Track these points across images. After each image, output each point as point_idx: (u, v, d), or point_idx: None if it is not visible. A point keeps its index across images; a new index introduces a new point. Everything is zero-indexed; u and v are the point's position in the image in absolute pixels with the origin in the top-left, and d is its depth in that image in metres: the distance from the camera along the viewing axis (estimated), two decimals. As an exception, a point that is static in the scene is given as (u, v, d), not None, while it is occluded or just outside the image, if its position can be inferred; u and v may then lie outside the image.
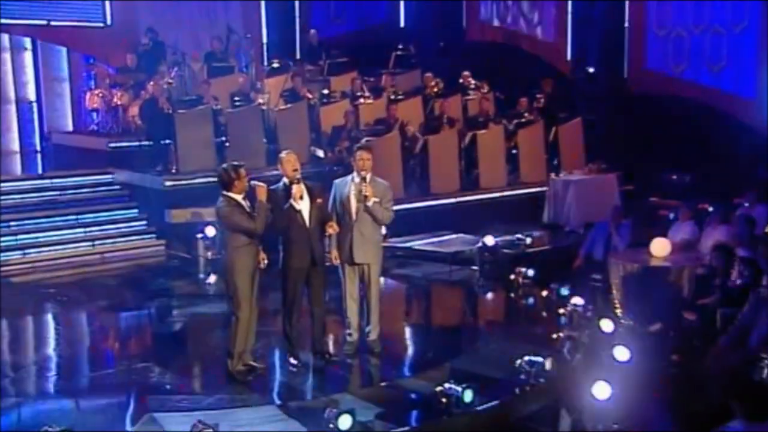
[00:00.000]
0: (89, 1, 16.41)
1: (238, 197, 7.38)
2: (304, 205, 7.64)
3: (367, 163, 8.10)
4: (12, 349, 9.66)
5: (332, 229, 7.80)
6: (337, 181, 8.31)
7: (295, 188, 7.51)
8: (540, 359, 7.68)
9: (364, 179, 8.01)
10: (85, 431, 6.58)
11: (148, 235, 12.94)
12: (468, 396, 6.90)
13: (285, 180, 7.68)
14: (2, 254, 11.94)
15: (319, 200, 7.75)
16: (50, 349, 9.91)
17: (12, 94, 15.95)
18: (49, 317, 10.83)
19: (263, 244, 7.98)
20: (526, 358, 7.65)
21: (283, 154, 8.07)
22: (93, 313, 10.85)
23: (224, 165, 7.98)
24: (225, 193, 7.39)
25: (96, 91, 15.26)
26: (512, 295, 10.54)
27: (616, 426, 6.98)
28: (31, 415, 7.21)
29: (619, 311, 10.01)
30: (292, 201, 7.52)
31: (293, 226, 7.63)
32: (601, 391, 6.90)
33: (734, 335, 7.95)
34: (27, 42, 16.07)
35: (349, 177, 8.21)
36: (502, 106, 15.85)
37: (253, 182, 7.61)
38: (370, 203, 7.91)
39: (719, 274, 9.06)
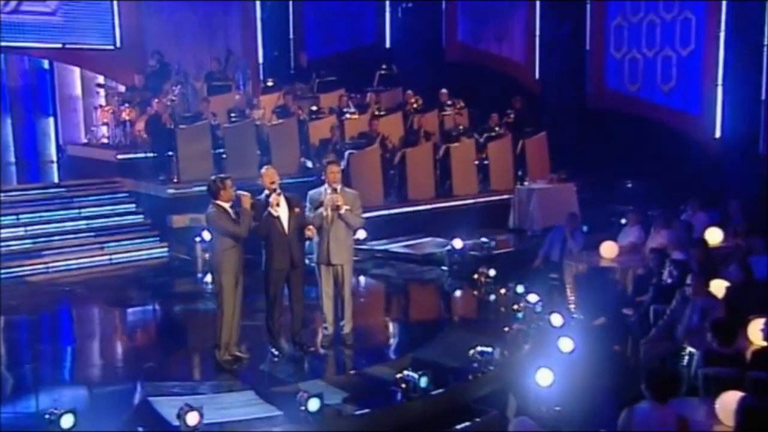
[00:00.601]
0: (101, 25, 16.38)
1: (225, 205, 7.62)
2: (282, 213, 7.84)
3: (337, 176, 8.30)
4: (30, 340, 9.98)
5: (310, 232, 7.96)
6: (311, 192, 8.44)
7: (272, 197, 7.71)
8: (490, 349, 7.80)
9: (335, 190, 8.14)
10: (90, 413, 6.72)
11: (152, 238, 13.00)
12: (423, 382, 7.11)
13: (267, 191, 7.86)
14: (21, 256, 12.02)
15: (296, 209, 7.91)
16: (63, 340, 10.17)
17: (30, 105, 15.91)
18: (63, 313, 10.99)
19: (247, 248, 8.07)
20: (479, 348, 7.80)
21: (263, 169, 8.36)
22: (101, 309, 10.96)
23: (213, 176, 8.15)
24: (214, 200, 7.63)
25: (106, 108, 15.41)
26: (475, 292, 10.60)
27: (557, 408, 7.09)
28: (45, 398, 7.29)
29: (572, 307, 10.08)
30: (269, 209, 7.70)
31: (273, 232, 7.86)
32: (544, 377, 7.09)
33: (663, 328, 8.10)
34: (45, 63, 16.12)
35: (322, 188, 8.35)
36: (476, 121, 15.87)
37: (238, 191, 7.79)
38: (342, 211, 8.06)
39: (654, 274, 9.24)
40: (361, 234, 11.90)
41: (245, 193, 7.80)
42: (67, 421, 6.35)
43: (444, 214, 13.88)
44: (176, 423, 6.43)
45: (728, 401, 5.74)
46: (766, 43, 13.58)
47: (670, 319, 8.14)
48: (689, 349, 7.53)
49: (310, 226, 8.00)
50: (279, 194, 7.80)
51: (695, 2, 14.68)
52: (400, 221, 13.52)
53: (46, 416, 6.45)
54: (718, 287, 8.40)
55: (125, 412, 7.02)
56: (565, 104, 16.48)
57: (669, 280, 8.83)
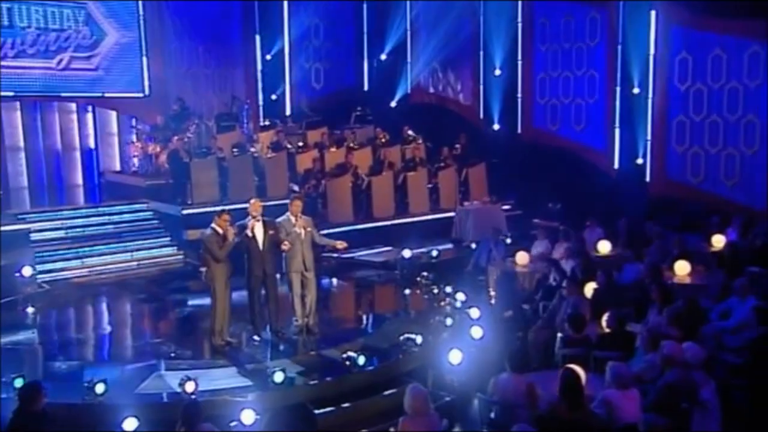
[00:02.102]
0: (133, 77, 16.52)
1: (219, 229, 8.22)
2: (259, 234, 8.38)
3: (299, 208, 8.76)
4: (75, 327, 10.49)
5: (285, 246, 8.47)
6: (279, 219, 8.76)
7: (250, 223, 8.33)
8: (414, 336, 8.33)
9: (297, 217, 8.68)
10: (118, 382, 7.32)
11: (171, 248, 13.15)
12: (361, 360, 7.73)
13: (251, 216, 8.42)
14: (67, 262, 12.30)
15: (271, 231, 8.43)
16: (99, 327, 10.72)
17: (77, 144, 16.11)
18: (100, 306, 11.36)
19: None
20: (407, 335, 8.35)
21: (252, 200, 8.86)
22: (129, 304, 11.41)
23: (218, 208, 8.85)
24: (212, 225, 8.30)
25: (136, 143, 15.69)
26: (417, 292, 10.82)
27: (464, 379, 7.44)
28: (84, 372, 7.75)
29: (492, 302, 10.43)
30: (247, 231, 8.28)
31: (251, 249, 8.42)
32: (455, 357, 7.58)
33: (546, 320, 8.61)
34: (89, 107, 16.27)
35: (285, 217, 8.76)
36: (430, 153, 16.01)
37: (228, 227, 8.28)
38: (304, 233, 8.62)
39: (545, 277, 9.76)
40: (341, 243, 11.27)
41: (232, 227, 8.33)
42: (100, 388, 6.86)
43: (402, 228, 13.99)
44: (178, 390, 6.92)
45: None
46: (649, 96, 14.06)
47: (550, 313, 8.62)
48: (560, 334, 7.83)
49: (285, 241, 8.42)
50: (258, 221, 8.34)
51: (598, 63, 14.98)
52: (366, 234, 13.62)
53: (85, 384, 6.93)
54: (589, 289, 8.75)
55: (143, 382, 7.47)
56: (502, 139, 16.63)
57: (553, 283, 9.37)
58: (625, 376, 5.84)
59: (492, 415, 6.21)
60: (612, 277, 9.24)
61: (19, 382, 6.62)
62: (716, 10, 12.78)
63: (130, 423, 6.19)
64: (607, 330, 7.48)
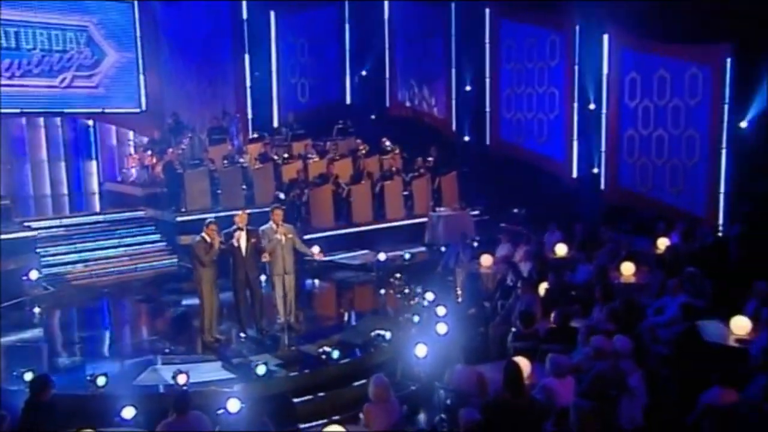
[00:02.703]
0: (131, 94, 16.56)
1: (207, 237, 8.48)
2: (243, 243, 8.61)
3: (279, 217, 8.97)
4: (78, 326, 10.49)
5: (266, 257, 8.75)
6: (263, 227, 8.94)
7: (236, 233, 8.57)
8: (384, 332, 8.55)
9: (278, 225, 8.89)
10: (118, 375, 7.55)
11: (166, 252, 13.19)
12: (336, 354, 7.98)
13: (235, 226, 8.67)
14: (70, 265, 12.38)
15: (253, 240, 8.67)
16: (100, 326, 10.80)
17: (79, 155, 16.08)
18: (100, 307, 11.44)
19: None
20: (377, 331, 8.59)
21: (238, 213, 9.07)
22: (128, 304, 11.49)
23: (207, 219, 8.90)
24: (201, 233, 8.57)
25: (134, 155, 15.75)
26: (390, 292, 10.96)
27: (428, 371, 7.66)
28: (87, 367, 7.94)
29: (459, 301, 10.60)
30: (233, 240, 8.55)
31: (236, 255, 8.66)
32: (421, 351, 7.86)
33: (503, 316, 8.86)
34: (90, 122, 16.29)
35: (268, 225, 8.94)
36: (406, 163, 15.94)
37: (216, 234, 8.53)
38: (284, 239, 8.85)
39: (504, 278, 9.92)
40: (316, 248, 11.68)
41: (218, 237, 8.57)
42: (101, 380, 7.09)
43: (379, 233, 14.03)
44: (172, 382, 7.14)
45: (523, 365, 6.15)
46: (603, 112, 14.18)
47: (507, 310, 8.88)
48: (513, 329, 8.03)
49: (266, 253, 8.69)
50: (242, 230, 8.60)
51: (557, 81, 15.02)
52: (346, 239, 13.72)
53: (87, 377, 7.16)
54: (542, 288, 9.05)
55: (140, 375, 7.64)
56: (472, 150, 16.68)
57: (510, 283, 9.57)
58: (563, 367, 6.21)
59: (448, 401, 6.51)
60: (563, 277, 9.47)
61: (29, 376, 6.80)
62: (661, 35, 12.93)
63: (129, 411, 6.38)
64: (553, 325, 7.73)
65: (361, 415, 5.98)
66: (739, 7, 11.16)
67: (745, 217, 11.60)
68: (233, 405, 6.50)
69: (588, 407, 5.42)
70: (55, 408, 5.83)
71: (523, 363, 6.48)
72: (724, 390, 5.65)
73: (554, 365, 6.20)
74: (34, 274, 11.19)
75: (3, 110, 14.44)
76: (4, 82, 14.58)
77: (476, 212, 15.34)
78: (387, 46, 18.96)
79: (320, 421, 6.47)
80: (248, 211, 11.85)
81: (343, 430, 5.61)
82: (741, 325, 7.61)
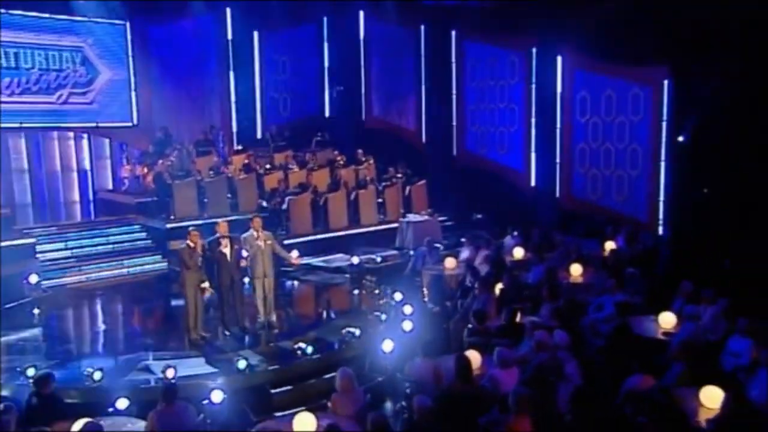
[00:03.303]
0: (123, 109, 16.53)
1: (191, 243, 8.66)
2: (227, 250, 8.85)
3: (259, 224, 9.19)
4: (74, 326, 10.64)
5: (245, 263, 9.01)
6: (243, 235, 9.12)
7: (223, 240, 8.83)
8: (354, 329, 8.82)
9: (258, 232, 9.10)
10: (112, 370, 7.67)
11: (156, 257, 13.07)
12: (310, 350, 8.25)
13: (218, 234, 8.94)
14: (67, 270, 12.30)
15: (236, 246, 8.92)
16: (95, 326, 10.82)
17: (75, 165, 16.03)
18: (95, 308, 11.39)
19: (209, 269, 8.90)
20: (348, 329, 8.85)
21: (219, 221, 9.33)
22: (120, 305, 11.52)
23: (189, 228, 9.20)
24: (186, 240, 8.78)
25: (127, 166, 15.67)
26: (363, 292, 11.32)
27: (394, 364, 7.71)
28: (84, 363, 8.01)
29: (425, 300, 10.63)
30: (219, 248, 8.79)
31: (221, 260, 8.91)
32: (387, 346, 7.94)
33: (462, 314, 8.86)
34: (84, 135, 16.21)
35: (250, 232, 9.12)
36: (379, 172, 16.10)
37: (200, 241, 8.75)
38: (264, 245, 9.07)
39: (464, 279, 10.04)
40: (295, 253, 11.62)
41: (201, 242, 8.79)
42: (97, 375, 7.26)
43: (353, 238, 14.15)
44: (160, 375, 7.32)
45: (473, 357, 6.64)
46: (557, 126, 14.50)
47: (465, 309, 8.89)
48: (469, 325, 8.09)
49: (243, 260, 8.94)
50: (227, 238, 8.86)
51: (517, 98, 15.28)
52: (323, 243, 13.76)
53: (85, 373, 7.32)
54: (497, 288, 9.17)
55: (133, 370, 7.82)
56: (440, 161, 16.73)
57: (469, 284, 9.67)
58: (508, 359, 6.54)
59: (408, 391, 6.76)
60: (516, 278, 9.66)
61: (31, 371, 7.00)
62: (608, 58, 13.21)
63: (122, 402, 6.51)
64: (503, 322, 8.02)
65: (329, 404, 6.20)
66: (675, 35, 11.53)
67: (679, 223, 12.05)
68: (216, 396, 6.64)
69: (524, 393, 5.79)
70: (56, 400, 6.02)
71: (474, 356, 6.79)
72: (643, 377, 6.06)
73: (500, 357, 6.52)
74: (33, 278, 11.18)
75: (3, 125, 14.33)
76: (4, 99, 14.49)
77: (443, 218, 15.32)
78: (362, 63, 18.97)
79: (294, 410, 6.48)
80: (233, 218, 12.40)
81: (312, 417, 5.75)
82: (667, 320, 8.04)
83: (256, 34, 18.17)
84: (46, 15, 15.03)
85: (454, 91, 16.79)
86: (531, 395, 5.66)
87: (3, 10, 14.37)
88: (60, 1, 14.77)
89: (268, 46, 18.21)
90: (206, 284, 8.80)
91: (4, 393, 6.88)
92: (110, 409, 6.47)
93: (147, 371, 7.79)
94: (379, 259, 12.82)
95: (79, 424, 5.20)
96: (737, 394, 5.55)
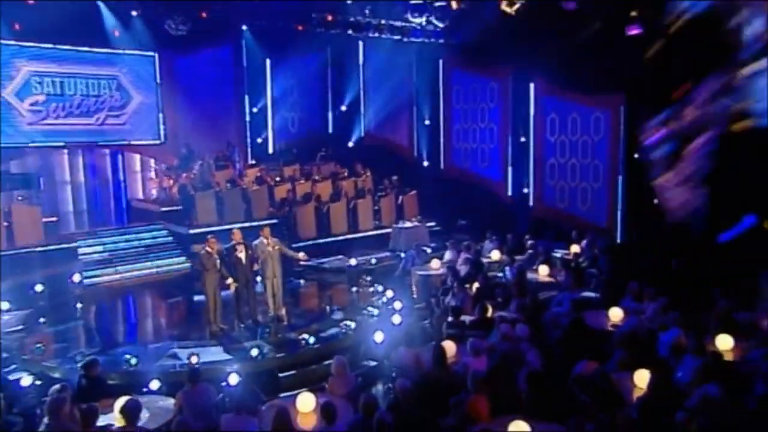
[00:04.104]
0: (152, 129, 16.59)
1: (209, 248, 8.96)
2: (242, 254, 9.15)
3: (268, 233, 9.49)
4: (111, 319, 10.78)
5: (257, 266, 9.29)
6: (255, 242, 9.37)
7: (238, 247, 9.12)
8: (350, 322, 9.13)
9: (267, 239, 9.41)
10: (146, 357, 7.94)
11: (181, 258, 13.11)
12: (311, 340, 8.54)
13: (234, 241, 9.24)
14: (100, 269, 12.37)
15: (250, 252, 9.20)
16: (129, 318, 11.08)
17: (110, 178, 16.10)
18: (128, 303, 11.63)
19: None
20: (344, 322, 9.17)
21: (234, 230, 9.53)
22: (150, 301, 11.76)
23: (208, 235, 9.40)
24: (205, 246, 9.06)
25: (155, 179, 15.99)
26: (359, 290, 11.38)
27: (384, 352, 7.84)
28: (119, 353, 8.18)
29: (414, 297, 10.77)
30: (235, 253, 9.07)
31: (237, 264, 9.20)
32: (379, 337, 8.23)
33: (443, 310, 8.96)
34: (119, 152, 16.25)
35: (259, 239, 9.43)
36: (375, 183, 16.34)
37: (217, 247, 9.01)
38: (273, 250, 9.37)
39: (446, 279, 10.16)
40: (302, 253, 12.01)
41: (217, 246, 9.02)
42: (133, 361, 7.55)
43: (352, 242, 14.34)
44: (186, 361, 7.59)
45: (448, 347, 6.78)
46: (530, 144, 14.70)
47: (446, 305, 9.07)
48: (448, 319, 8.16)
49: (255, 265, 9.22)
50: (240, 244, 9.15)
51: (496, 119, 15.52)
52: (325, 246, 14.00)
53: (123, 359, 7.66)
54: (473, 287, 9.40)
55: (162, 356, 8.08)
56: (430, 173, 16.92)
57: (449, 283, 9.85)
58: (478, 348, 6.77)
59: (393, 375, 7.00)
60: (490, 278, 9.90)
61: (79, 357, 7.30)
62: (573, 86, 13.48)
63: (155, 383, 6.77)
64: (476, 317, 8.21)
65: (327, 386, 6.45)
66: (629, 66, 11.88)
67: (633, 229, 12.39)
68: (233, 378, 6.79)
69: (480, 375, 5.90)
70: (101, 381, 6.32)
71: (449, 346, 6.97)
72: (588, 363, 6.33)
73: (472, 347, 6.79)
74: (76, 277, 11.34)
75: (50, 143, 14.65)
76: (51, 121, 14.73)
77: (432, 224, 15.45)
78: (362, 86, 19.00)
79: (297, 391, 6.47)
80: (247, 224, 12.57)
81: (313, 396, 5.91)
82: (616, 314, 8.27)
83: (268, 62, 18.26)
84: (87, 49, 15.17)
85: (441, 113, 17.00)
86: (486, 378, 5.89)
87: (51, 45, 14.68)
88: (99, 37, 14.95)
89: (278, 72, 18.34)
90: (230, 281, 9.02)
91: (58, 375, 7.28)
92: (144, 389, 6.66)
93: (174, 357, 7.99)
94: (374, 261, 12.92)
95: (121, 401, 5.40)
96: (662, 376, 5.88)
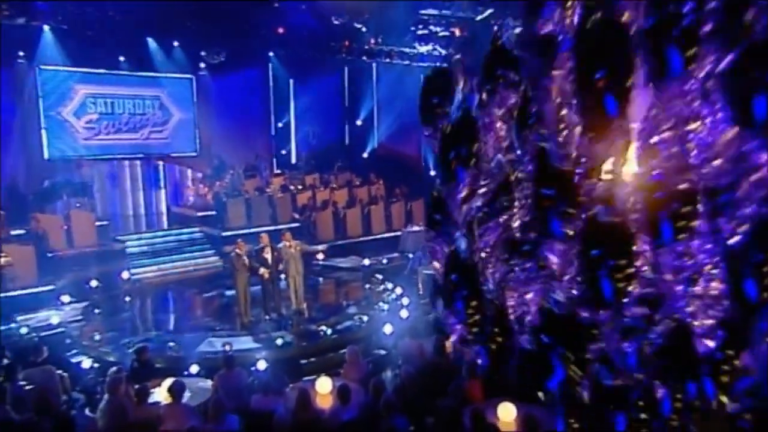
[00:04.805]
0: (189, 142, 16.95)
1: (238, 250, 9.23)
2: (268, 255, 9.43)
3: (289, 237, 9.78)
4: (152, 309, 10.47)
5: (281, 267, 9.55)
6: (279, 245, 9.62)
7: (265, 249, 9.40)
8: (363, 316, 9.37)
9: (289, 242, 9.68)
10: (185, 343, 8.13)
11: (215, 257, 13.11)
12: (329, 331, 8.76)
13: (261, 244, 9.52)
14: (145, 267, 12.37)
15: (275, 253, 9.46)
16: (167, 311, 10.98)
17: (153, 186, 16.43)
18: (169, 296, 11.67)
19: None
20: (358, 315, 9.41)
21: (262, 235, 9.81)
22: (188, 294, 11.75)
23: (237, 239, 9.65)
24: (235, 248, 9.30)
25: (191, 187, 16.24)
26: (371, 287, 11.33)
27: (392, 343, 7.75)
28: (162, 339, 8.47)
29: (421, 293, 10.32)
30: (262, 253, 9.31)
31: (264, 264, 9.43)
32: (388, 329, 8.23)
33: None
34: (160, 163, 16.65)
35: (282, 243, 9.68)
36: (387, 191, 16.38)
37: (245, 248, 9.28)
38: (294, 251, 9.63)
39: None
40: (320, 255, 12.70)
41: (245, 248, 9.25)
42: (176, 347, 7.88)
43: (366, 243, 14.38)
44: (221, 348, 7.74)
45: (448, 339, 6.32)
46: None
47: None
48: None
49: (279, 264, 9.45)
50: (267, 247, 9.41)
51: None
52: (342, 248, 14.03)
53: (167, 345, 8.01)
54: None
55: (200, 344, 8.26)
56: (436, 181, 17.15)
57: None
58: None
59: (399, 362, 7.04)
60: None
61: (131, 344, 7.59)
62: None
63: (194, 368, 6.98)
64: None
65: (342, 371, 6.57)
66: None
67: None
68: (261, 364, 6.92)
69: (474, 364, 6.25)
70: (150, 365, 6.59)
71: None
72: None
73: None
74: (125, 274, 11.27)
75: (102, 156, 15.02)
76: (102, 136, 15.15)
77: None
78: (375, 104, 19.38)
79: (316, 375, 6.47)
80: (272, 228, 12.77)
81: (330, 380, 5.90)
82: None
83: (291, 82, 18.72)
84: (134, 73, 15.53)
85: (446, 126, 17.28)
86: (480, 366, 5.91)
87: (104, 71, 15.13)
88: (144, 63, 15.36)
89: (301, 91, 18.55)
90: (263, 270, 9.22)
91: (112, 359, 7.58)
92: (185, 373, 6.83)
93: (211, 345, 8.23)
94: (385, 261, 13.00)
95: (168, 381, 5.61)
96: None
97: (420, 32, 15.41)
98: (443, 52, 16.12)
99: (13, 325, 8.93)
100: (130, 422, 5.25)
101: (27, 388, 5.78)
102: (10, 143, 13.83)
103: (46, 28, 13.73)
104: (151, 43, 15.21)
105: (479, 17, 14.65)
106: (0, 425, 4.88)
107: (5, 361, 6.60)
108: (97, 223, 13.04)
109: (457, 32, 14.56)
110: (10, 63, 13.64)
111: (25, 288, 10.17)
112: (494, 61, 4.47)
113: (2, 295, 9.18)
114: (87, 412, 6.03)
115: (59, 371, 6.31)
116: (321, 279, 12.54)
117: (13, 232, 11.67)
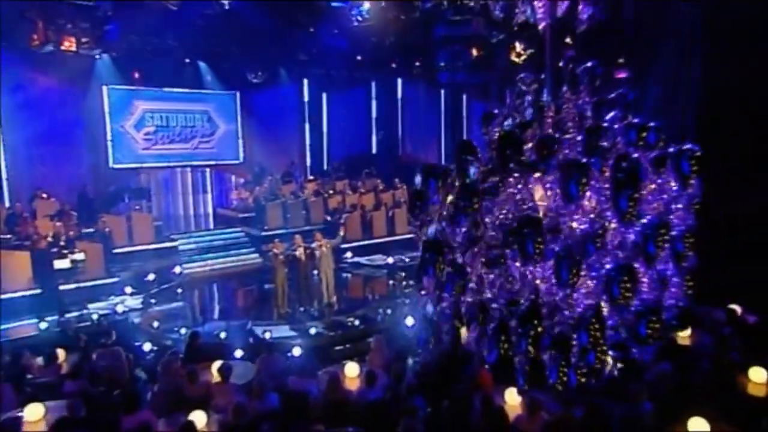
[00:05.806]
0: (233, 151, 17.23)
1: (275, 249, 9.47)
2: (302, 254, 9.63)
3: (320, 237, 10.00)
4: (199, 302, 10.99)
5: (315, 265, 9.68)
6: (311, 245, 9.79)
7: (298, 249, 9.62)
8: (387, 309, 9.35)
9: (320, 242, 9.90)
10: (231, 331, 8.17)
11: (255, 255, 12.99)
12: (357, 322, 8.85)
13: (295, 245, 9.71)
14: (194, 263, 12.39)
15: (308, 251, 9.67)
16: (213, 302, 11.24)
17: (201, 190, 15.57)
18: (215, 289, 11.78)
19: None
20: (382, 308, 9.42)
21: (296, 235, 9.96)
22: (230, 288, 11.84)
23: (275, 239, 9.90)
24: (273, 248, 9.57)
25: (235, 191, 16.14)
26: (395, 283, 11.37)
27: (413, 333, 7.19)
28: (212, 324, 8.82)
29: None
30: (296, 252, 9.54)
31: (299, 261, 9.77)
32: (410, 321, 8.02)
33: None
34: (208, 170, 16.05)
35: (314, 243, 9.89)
36: (409, 195, 16.48)
37: (282, 247, 9.49)
38: (326, 249, 9.76)
39: None
40: (349, 254, 12.94)
41: (281, 247, 9.45)
42: (222, 334, 8.00)
43: (390, 243, 14.24)
44: (261, 336, 7.98)
45: (463, 330, 6.57)
46: None
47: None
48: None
49: (314, 261, 9.68)
50: (301, 247, 9.63)
51: None
52: (368, 247, 13.98)
53: (214, 333, 8.11)
54: None
55: (243, 331, 8.41)
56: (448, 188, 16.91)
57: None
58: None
59: (419, 351, 6.89)
60: None
61: (183, 330, 7.89)
62: None
63: (239, 352, 7.03)
64: None
65: (368, 358, 6.74)
66: None
67: None
68: (297, 351, 7.13)
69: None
70: (201, 349, 6.81)
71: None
72: None
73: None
74: (177, 269, 11.73)
75: (157, 164, 15.44)
76: (158, 147, 15.63)
77: None
78: (399, 115, 19.67)
79: (345, 361, 6.65)
80: (306, 228, 12.93)
81: (357, 366, 6.17)
82: None
83: (324, 95, 18.98)
84: (186, 90, 16.10)
85: (464, 135, 17.66)
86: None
87: (160, 88, 15.66)
88: (195, 81, 15.89)
89: (333, 103, 18.83)
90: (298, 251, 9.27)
91: (169, 343, 7.87)
92: (232, 356, 6.89)
93: (252, 333, 8.40)
94: (407, 259, 12.89)
95: (217, 363, 5.84)
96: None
97: (439, 50, 15.49)
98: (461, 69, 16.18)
99: (85, 311, 9.28)
100: (185, 398, 5.44)
101: (100, 365, 6.10)
102: (81, 154, 14.54)
103: (113, 54, 14.36)
104: (202, 65, 15.75)
105: (494, 40, 14.70)
106: (80, 396, 5.23)
107: (82, 343, 6.96)
108: (154, 223, 13.26)
109: (474, 52, 14.65)
110: (80, 84, 14.46)
111: (95, 279, 10.46)
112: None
113: (77, 285, 9.67)
114: (149, 387, 6.22)
115: (125, 352, 6.56)
116: (349, 275, 12.62)
117: (84, 231, 12.03)
